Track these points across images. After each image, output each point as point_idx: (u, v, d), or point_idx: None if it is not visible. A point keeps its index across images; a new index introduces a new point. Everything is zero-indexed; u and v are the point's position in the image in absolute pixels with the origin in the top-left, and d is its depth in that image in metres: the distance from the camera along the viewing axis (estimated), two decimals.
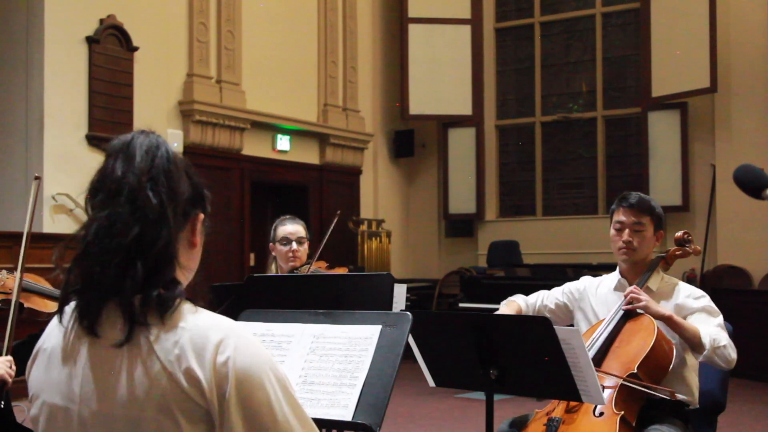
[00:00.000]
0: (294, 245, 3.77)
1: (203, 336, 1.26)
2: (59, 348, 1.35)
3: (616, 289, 3.04)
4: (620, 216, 2.97)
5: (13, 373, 2.75)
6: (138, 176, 1.32)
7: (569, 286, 3.20)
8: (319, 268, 3.94)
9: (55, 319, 1.39)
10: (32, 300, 3.06)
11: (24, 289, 2.98)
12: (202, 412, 1.24)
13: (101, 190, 1.34)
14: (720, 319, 2.85)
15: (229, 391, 1.24)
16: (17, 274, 2.90)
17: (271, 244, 3.89)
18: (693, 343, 2.73)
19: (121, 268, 1.27)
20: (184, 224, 1.37)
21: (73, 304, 1.33)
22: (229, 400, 1.24)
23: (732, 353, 2.73)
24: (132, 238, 1.27)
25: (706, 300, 2.90)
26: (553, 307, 3.17)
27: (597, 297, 3.10)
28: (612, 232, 3.01)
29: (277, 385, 1.28)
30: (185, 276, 1.37)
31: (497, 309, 3.13)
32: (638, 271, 2.98)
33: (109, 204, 1.31)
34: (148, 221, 1.29)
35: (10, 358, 2.79)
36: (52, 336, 1.39)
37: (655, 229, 2.97)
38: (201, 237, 1.41)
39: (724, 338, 2.74)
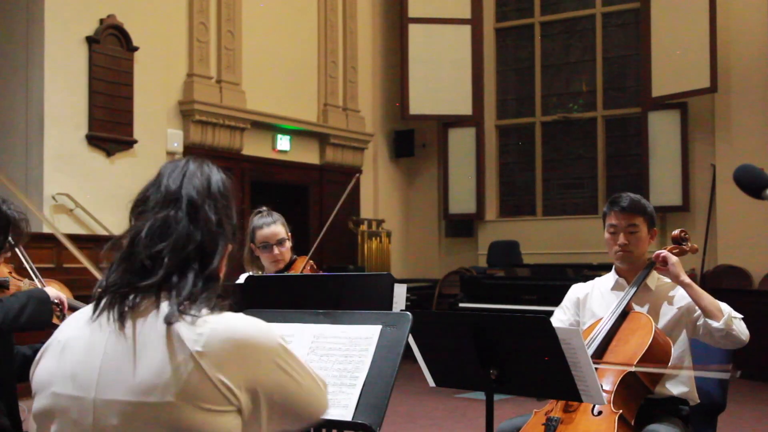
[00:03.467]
0: (275, 249, 3.55)
1: (223, 333, 1.31)
2: (79, 339, 1.37)
3: (614, 288, 3.05)
4: (613, 219, 2.99)
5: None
6: (198, 192, 1.40)
7: (564, 303, 3.21)
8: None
9: (76, 314, 1.43)
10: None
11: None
12: (227, 402, 1.28)
13: (152, 198, 1.40)
14: None
15: (251, 385, 1.31)
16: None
17: (251, 244, 3.62)
18: (711, 310, 2.75)
19: (174, 269, 1.33)
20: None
21: (106, 298, 1.36)
22: (252, 393, 1.31)
23: (746, 330, 2.77)
24: (196, 245, 1.35)
25: None
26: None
27: (594, 298, 3.10)
28: (606, 235, 3.02)
29: (286, 364, 1.36)
30: None
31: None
32: (636, 269, 3.00)
33: (165, 209, 1.37)
34: (210, 233, 1.38)
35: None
36: (68, 328, 1.41)
37: (649, 228, 3.00)
38: (224, 268, 1.47)
39: (738, 315, 2.78)
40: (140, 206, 1.40)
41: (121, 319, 1.32)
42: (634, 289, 2.92)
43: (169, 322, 1.29)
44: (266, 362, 1.33)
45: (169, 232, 1.34)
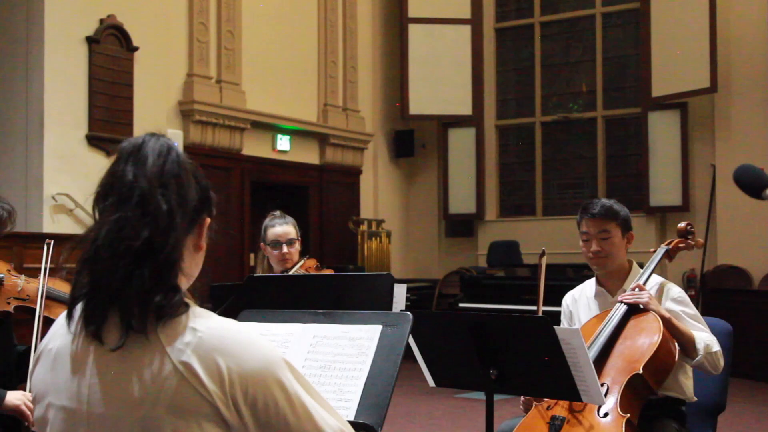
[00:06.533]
0: (284, 248, 3.69)
1: (209, 342, 1.27)
2: (66, 350, 1.35)
3: (597, 296, 3.05)
4: (584, 227, 3.00)
5: (32, 408, 2.75)
6: (149, 181, 1.31)
7: (561, 317, 3.21)
8: (308, 269, 3.87)
9: (60, 319, 1.39)
10: (51, 307, 3.05)
11: (46, 297, 3.01)
12: (215, 414, 1.25)
13: (111, 193, 1.33)
14: (704, 324, 2.88)
15: (238, 397, 1.26)
16: (40, 291, 2.96)
17: (261, 244, 3.82)
18: (687, 347, 2.74)
19: (128, 273, 1.27)
20: (192, 229, 1.38)
21: (80, 306, 1.33)
22: (239, 405, 1.26)
23: (721, 360, 2.77)
24: (141, 242, 1.28)
25: (688, 304, 2.92)
26: None
27: (581, 305, 3.12)
28: (580, 242, 3.03)
29: (288, 381, 1.30)
30: (185, 282, 1.38)
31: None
32: (615, 276, 3.00)
33: (120, 208, 1.31)
34: (157, 227, 1.29)
35: (30, 395, 2.79)
36: (58, 337, 1.39)
37: (624, 232, 2.99)
38: (206, 241, 1.42)
39: (716, 345, 2.77)
40: (100, 202, 1.34)
41: (97, 335, 1.29)
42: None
43: (121, 345, 1.26)
44: (259, 374, 1.28)
45: (123, 235, 1.28)
